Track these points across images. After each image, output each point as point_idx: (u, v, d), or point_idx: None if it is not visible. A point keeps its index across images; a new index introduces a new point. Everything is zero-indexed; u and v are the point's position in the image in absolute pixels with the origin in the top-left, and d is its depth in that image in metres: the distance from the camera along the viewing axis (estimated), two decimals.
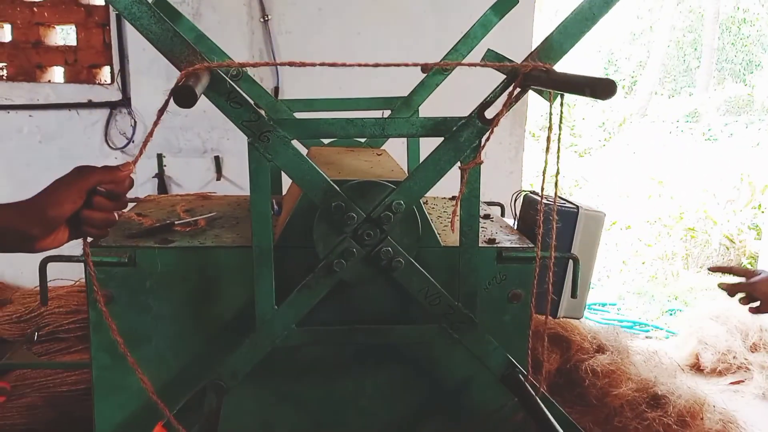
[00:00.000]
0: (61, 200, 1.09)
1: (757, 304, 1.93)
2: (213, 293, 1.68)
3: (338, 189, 1.47)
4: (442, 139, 1.48)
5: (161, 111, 1.22)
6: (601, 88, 1.11)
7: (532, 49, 1.44)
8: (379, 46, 3.78)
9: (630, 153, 10.65)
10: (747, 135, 10.92)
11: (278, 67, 3.71)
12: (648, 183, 8.77)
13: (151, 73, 3.70)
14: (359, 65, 1.34)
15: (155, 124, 1.22)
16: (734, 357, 3.94)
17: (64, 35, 4.06)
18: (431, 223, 1.72)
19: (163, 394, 1.65)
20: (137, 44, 3.70)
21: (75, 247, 1.39)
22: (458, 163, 1.49)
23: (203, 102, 1.29)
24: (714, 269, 2.12)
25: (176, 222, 1.81)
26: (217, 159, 3.85)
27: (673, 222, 7.48)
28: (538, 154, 8.44)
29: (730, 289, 1.96)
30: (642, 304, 5.35)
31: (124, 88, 3.77)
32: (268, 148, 1.42)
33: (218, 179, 3.84)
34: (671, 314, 5.10)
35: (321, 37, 3.78)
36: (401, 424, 1.81)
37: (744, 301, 1.95)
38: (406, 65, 1.36)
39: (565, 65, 1.43)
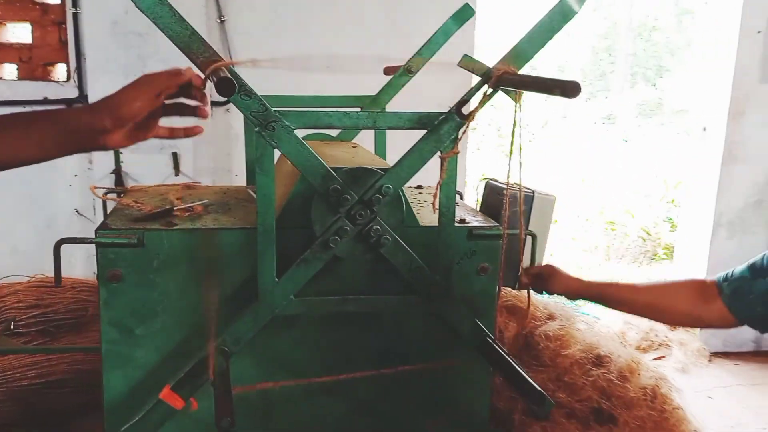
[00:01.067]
0: (131, 98, 1.16)
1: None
2: (216, 271, 1.84)
3: (335, 174, 1.68)
4: (414, 133, 1.68)
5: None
6: (569, 88, 1.35)
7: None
8: (334, 49, 3.94)
9: (552, 153, 11.20)
10: (659, 135, 11.67)
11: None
12: (570, 181, 9.28)
13: (109, 70, 3.77)
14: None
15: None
16: (656, 335, 4.37)
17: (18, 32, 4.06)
18: (411, 206, 1.94)
19: (170, 363, 1.83)
20: (94, 43, 3.77)
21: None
22: (438, 153, 1.72)
23: None
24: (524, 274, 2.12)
25: (175, 208, 1.97)
26: (174, 155, 3.92)
27: (594, 216, 7.99)
28: (471, 152, 8.80)
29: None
30: None
31: (81, 86, 3.82)
32: (274, 137, 1.60)
33: (176, 175, 3.92)
34: None
35: (277, 39, 3.93)
36: (384, 386, 2.02)
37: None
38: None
39: None
